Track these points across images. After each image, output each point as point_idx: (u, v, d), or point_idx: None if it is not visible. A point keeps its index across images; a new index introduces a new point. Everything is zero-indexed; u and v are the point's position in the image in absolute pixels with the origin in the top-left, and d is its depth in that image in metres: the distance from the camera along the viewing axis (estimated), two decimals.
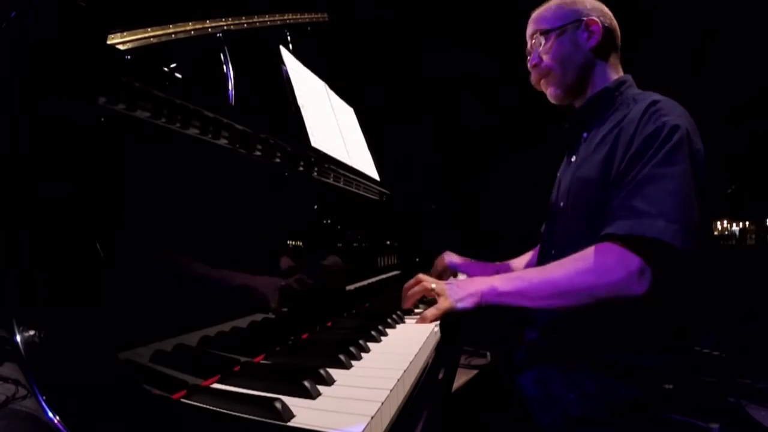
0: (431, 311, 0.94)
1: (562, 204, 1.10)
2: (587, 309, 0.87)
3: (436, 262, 1.58)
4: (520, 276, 0.94)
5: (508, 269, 1.50)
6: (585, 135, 1.11)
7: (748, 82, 2.94)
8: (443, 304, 0.95)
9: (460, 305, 0.94)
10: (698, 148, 0.87)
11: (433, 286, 1.00)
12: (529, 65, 1.16)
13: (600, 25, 1.06)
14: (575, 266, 0.87)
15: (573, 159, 1.13)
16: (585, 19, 1.07)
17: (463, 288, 0.96)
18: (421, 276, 1.06)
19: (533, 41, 1.14)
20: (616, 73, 1.11)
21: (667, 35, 2.83)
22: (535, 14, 1.16)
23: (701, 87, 2.64)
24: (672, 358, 0.92)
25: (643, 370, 0.90)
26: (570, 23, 1.08)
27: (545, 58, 1.10)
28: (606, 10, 1.12)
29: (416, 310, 1.10)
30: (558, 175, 1.24)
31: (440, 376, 0.80)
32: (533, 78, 1.17)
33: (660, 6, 2.79)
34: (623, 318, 0.92)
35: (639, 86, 1.09)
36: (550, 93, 1.15)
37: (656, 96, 0.96)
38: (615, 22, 1.12)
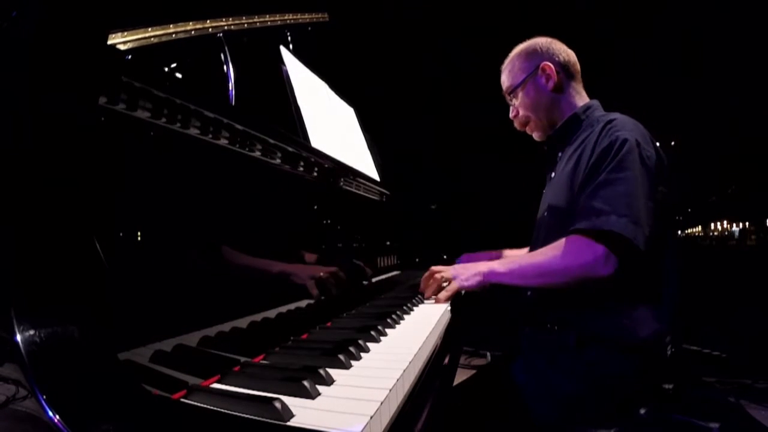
0: (443, 294, 1.17)
1: (545, 214, 1.25)
2: (565, 286, 1.05)
3: None
4: (513, 260, 1.16)
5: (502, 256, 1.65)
6: (560, 154, 1.29)
7: (749, 82, 2.94)
8: (452, 286, 1.18)
9: (465, 283, 1.16)
10: (648, 155, 1.04)
11: (443, 274, 1.21)
12: (510, 116, 1.36)
13: (553, 67, 1.23)
14: (553, 252, 1.06)
15: (552, 176, 1.30)
16: (540, 65, 1.23)
17: (468, 269, 1.17)
18: (433, 268, 1.25)
19: (508, 97, 1.35)
20: (581, 99, 1.28)
21: (666, 35, 2.83)
22: (503, 67, 1.35)
23: (702, 87, 2.64)
24: (646, 315, 1.04)
25: (624, 333, 1.01)
26: (529, 75, 1.26)
27: (520, 110, 1.31)
28: (557, 46, 1.27)
29: (415, 308, 1.12)
30: (544, 192, 1.38)
31: (440, 375, 0.80)
32: (517, 126, 1.37)
33: (658, 7, 2.79)
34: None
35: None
36: (535, 137, 1.36)
37: (614, 115, 1.14)
38: (568, 53, 1.28)
